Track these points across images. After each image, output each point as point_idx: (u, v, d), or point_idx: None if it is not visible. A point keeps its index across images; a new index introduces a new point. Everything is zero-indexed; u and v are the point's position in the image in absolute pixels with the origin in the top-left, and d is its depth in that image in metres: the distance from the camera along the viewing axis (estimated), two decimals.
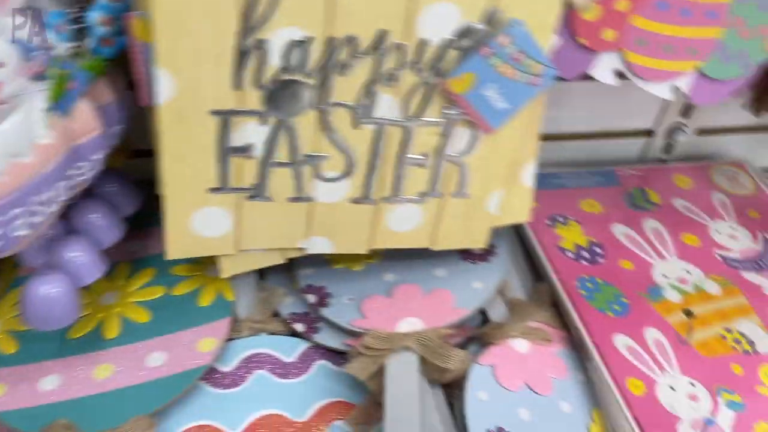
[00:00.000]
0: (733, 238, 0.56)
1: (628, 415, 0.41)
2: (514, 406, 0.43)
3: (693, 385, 0.44)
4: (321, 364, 0.45)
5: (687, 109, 0.62)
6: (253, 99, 0.36)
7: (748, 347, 0.47)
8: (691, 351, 0.46)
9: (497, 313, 0.49)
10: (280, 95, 0.37)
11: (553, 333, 0.48)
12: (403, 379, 0.41)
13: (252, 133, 0.37)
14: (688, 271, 0.52)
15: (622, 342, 0.46)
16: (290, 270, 0.49)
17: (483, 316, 0.49)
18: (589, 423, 0.43)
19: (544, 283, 0.51)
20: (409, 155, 0.41)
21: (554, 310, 0.49)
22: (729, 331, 0.48)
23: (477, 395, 0.43)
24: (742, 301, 0.50)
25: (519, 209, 0.47)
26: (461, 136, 0.41)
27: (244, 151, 0.38)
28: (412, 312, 0.45)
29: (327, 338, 0.46)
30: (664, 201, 0.58)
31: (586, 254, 0.52)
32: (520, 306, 0.49)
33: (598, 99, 0.60)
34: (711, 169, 0.64)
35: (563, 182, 0.59)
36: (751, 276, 0.52)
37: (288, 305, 0.48)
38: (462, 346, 0.46)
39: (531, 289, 0.52)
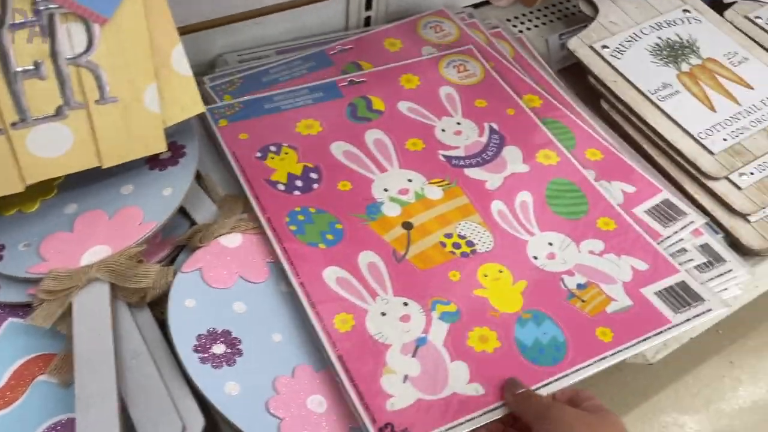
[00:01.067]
0: (457, 135, 0.54)
1: (331, 353, 0.39)
2: (228, 303, 0.41)
3: (406, 304, 0.42)
4: (10, 322, 0.41)
5: None
6: None
7: (467, 249, 0.46)
8: (407, 267, 0.44)
9: (206, 214, 0.46)
10: None
11: None
12: (92, 313, 0.39)
13: None
14: (409, 180, 0.50)
15: (332, 275, 0.43)
16: None
17: (192, 220, 0.46)
18: None
19: None
20: (17, 68, 0.35)
21: None
22: (449, 236, 0.46)
23: (183, 304, 0.41)
24: (463, 202, 0.49)
25: (188, 101, 0.43)
26: (74, 33, 0.36)
27: None
28: (97, 240, 0.42)
29: (10, 294, 0.41)
30: (389, 107, 0.55)
31: (299, 183, 0.48)
32: (229, 201, 0.46)
33: None
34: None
35: (278, 105, 0.53)
36: (474, 172, 0.51)
37: None
38: (172, 258, 0.44)
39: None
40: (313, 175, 0.49)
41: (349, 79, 0.56)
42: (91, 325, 0.38)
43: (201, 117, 0.50)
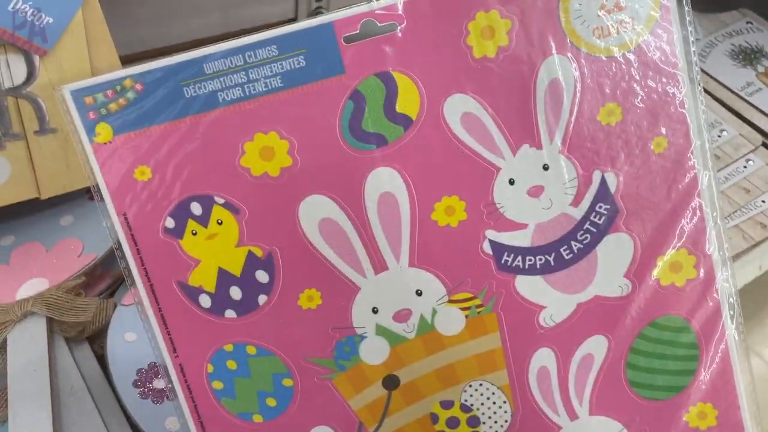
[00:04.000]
0: (534, 196, 0.30)
1: None
2: None
3: None
4: None
5: None
6: None
7: (465, 431, 0.32)
8: None
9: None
10: None
11: None
12: (27, 348, 0.38)
13: None
14: (419, 292, 0.30)
15: None
16: None
17: None
18: None
19: None
20: None
21: None
22: (447, 406, 0.32)
23: (124, 338, 0.39)
24: (492, 345, 0.31)
25: None
26: (13, 64, 0.36)
27: None
28: (34, 272, 0.40)
29: None
30: (429, 106, 0.29)
31: (236, 293, 0.29)
32: None
33: None
34: None
35: (214, 93, 0.28)
36: (531, 285, 0.31)
37: None
38: (113, 291, 0.43)
39: None
40: (262, 276, 0.30)
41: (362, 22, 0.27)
42: (26, 360, 0.37)
43: None
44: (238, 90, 0.28)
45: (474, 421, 0.32)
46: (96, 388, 0.38)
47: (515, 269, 0.30)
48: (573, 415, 0.32)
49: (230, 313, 0.30)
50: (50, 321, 0.39)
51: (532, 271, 0.30)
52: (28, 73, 0.37)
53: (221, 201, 0.29)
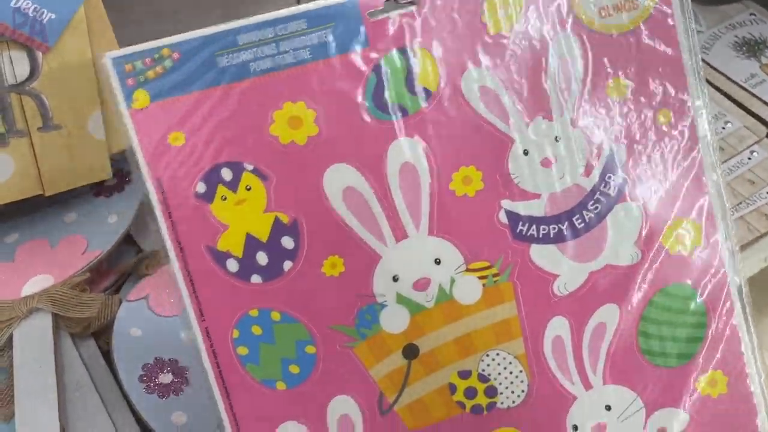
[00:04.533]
0: (547, 166, 0.31)
1: None
2: (176, 331, 0.40)
3: None
4: None
5: None
6: None
7: (483, 400, 0.32)
8: (392, 424, 0.32)
9: (152, 241, 0.40)
10: None
11: None
12: (33, 344, 0.39)
13: None
14: (438, 260, 0.31)
15: None
16: None
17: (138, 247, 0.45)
18: None
19: None
20: None
21: None
22: (465, 375, 0.32)
23: (129, 333, 0.40)
24: (509, 314, 0.32)
25: None
26: (16, 60, 0.37)
27: None
28: (39, 269, 0.41)
29: None
30: (450, 79, 0.30)
31: (262, 258, 0.30)
32: None
33: None
34: None
35: (245, 62, 0.30)
36: (546, 253, 0.32)
37: None
38: (118, 287, 0.44)
39: None
40: (287, 242, 0.31)
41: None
42: (32, 356, 0.38)
43: None
44: (269, 61, 0.29)
45: (491, 391, 0.32)
46: (102, 384, 0.39)
47: (530, 238, 0.32)
48: (587, 385, 0.33)
49: (256, 278, 0.31)
50: (56, 317, 0.39)
51: (546, 240, 0.32)
52: (30, 69, 0.37)
53: (250, 167, 0.30)
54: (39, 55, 0.37)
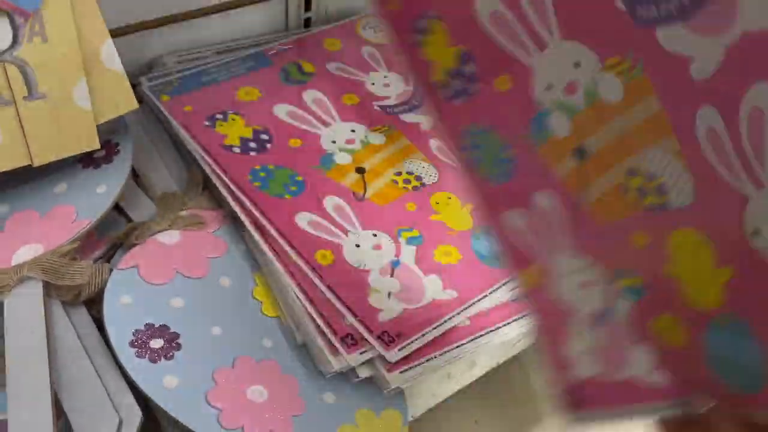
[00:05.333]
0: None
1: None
2: (166, 298, 0.42)
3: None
4: None
5: None
6: None
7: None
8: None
9: (143, 212, 0.47)
10: None
11: (209, 215, 0.47)
12: (24, 311, 0.39)
13: None
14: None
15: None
16: None
17: (129, 218, 0.46)
18: (252, 287, 0.45)
19: (193, 167, 0.50)
20: None
21: (209, 193, 0.49)
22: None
23: (119, 300, 0.41)
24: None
25: (120, 98, 0.43)
26: None
27: None
28: (28, 239, 0.41)
29: None
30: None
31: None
32: (167, 198, 0.47)
33: None
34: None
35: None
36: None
37: None
38: (109, 257, 0.44)
39: (186, 176, 0.50)
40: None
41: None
42: (23, 323, 0.38)
43: (141, 104, 0.50)
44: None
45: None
46: (93, 350, 0.39)
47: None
48: (758, 183, 0.27)
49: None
50: (46, 285, 0.39)
51: (669, 19, 0.25)
52: (13, 36, 0.36)
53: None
54: (21, 21, 0.36)
